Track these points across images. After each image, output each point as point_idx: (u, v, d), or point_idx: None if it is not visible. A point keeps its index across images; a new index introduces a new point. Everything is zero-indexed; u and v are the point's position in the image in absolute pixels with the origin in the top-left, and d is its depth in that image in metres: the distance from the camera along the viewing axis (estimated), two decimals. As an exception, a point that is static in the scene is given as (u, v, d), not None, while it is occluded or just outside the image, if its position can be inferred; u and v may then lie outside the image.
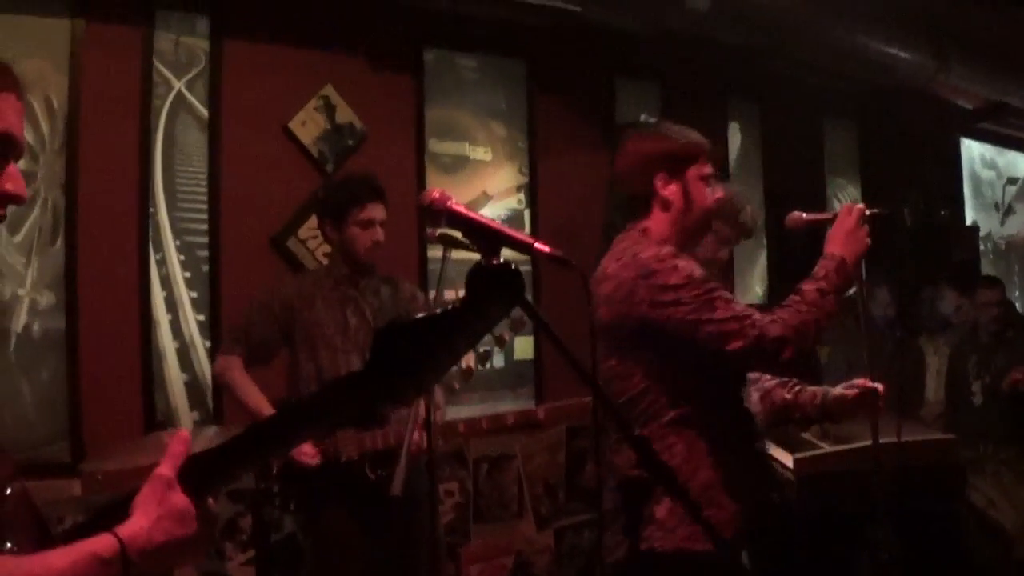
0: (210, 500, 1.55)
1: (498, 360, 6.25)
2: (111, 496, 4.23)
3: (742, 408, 3.09)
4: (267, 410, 4.14)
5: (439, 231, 3.72)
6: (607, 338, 3.00)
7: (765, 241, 7.68)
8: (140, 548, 1.42)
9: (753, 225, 4.06)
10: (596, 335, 2.97)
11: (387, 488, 3.55)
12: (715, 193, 3.13)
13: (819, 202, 8.31)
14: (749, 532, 2.99)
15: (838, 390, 3.32)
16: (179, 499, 1.47)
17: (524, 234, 1.97)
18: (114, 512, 1.47)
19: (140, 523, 1.44)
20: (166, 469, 1.49)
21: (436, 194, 2.02)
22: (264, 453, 1.87)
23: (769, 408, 3.40)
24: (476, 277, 1.69)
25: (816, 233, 3.19)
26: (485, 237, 1.89)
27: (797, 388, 3.43)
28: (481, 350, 4.44)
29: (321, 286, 4.40)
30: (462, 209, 1.98)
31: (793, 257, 6.87)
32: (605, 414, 2.86)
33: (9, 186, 1.45)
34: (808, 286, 2.89)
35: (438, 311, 1.53)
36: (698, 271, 2.92)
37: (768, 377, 3.45)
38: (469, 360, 4.35)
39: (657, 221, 3.10)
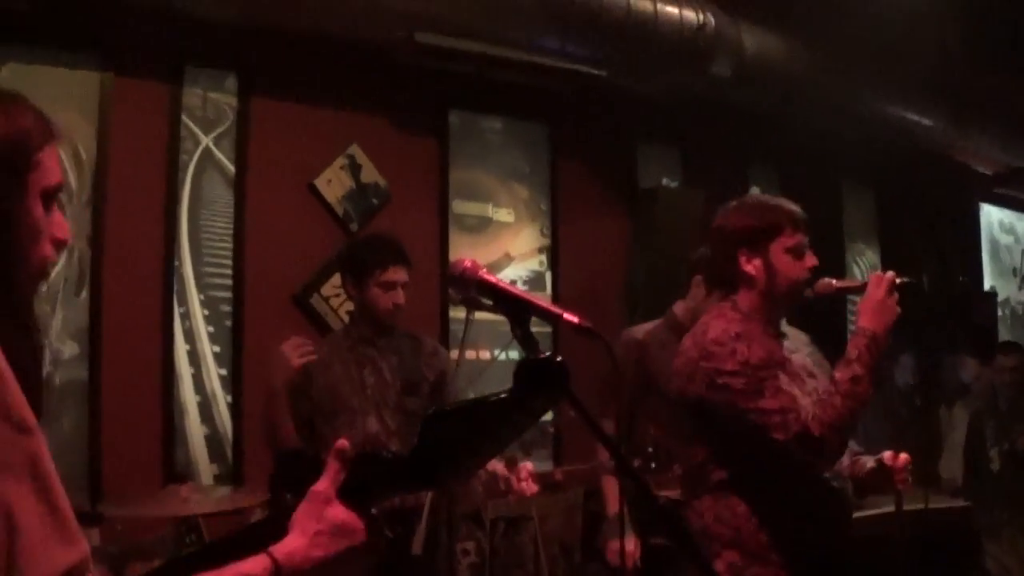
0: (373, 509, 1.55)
1: (516, 421, 6.25)
2: (128, 545, 4.24)
3: (803, 474, 3.09)
4: None
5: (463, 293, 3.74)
6: (675, 408, 3.09)
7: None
8: (296, 566, 1.43)
9: None
10: (620, 399, 3.02)
11: (405, 546, 3.54)
12: (807, 262, 3.12)
13: (838, 267, 8.30)
14: None
15: (869, 463, 3.30)
16: (338, 512, 1.49)
17: (552, 305, 1.99)
18: (268, 529, 1.49)
19: (297, 541, 1.45)
20: (323, 485, 1.50)
21: (467, 263, 2.04)
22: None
23: None
24: (523, 370, 1.72)
25: (840, 301, 3.22)
26: (514, 306, 1.91)
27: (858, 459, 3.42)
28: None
29: (339, 349, 4.37)
30: (493, 279, 2.00)
31: (814, 323, 6.87)
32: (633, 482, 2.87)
33: (60, 233, 1.48)
34: (842, 375, 2.91)
35: (488, 397, 1.55)
36: (756, 357, 2.95)
37: None
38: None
39: (744, 296, 3.14)
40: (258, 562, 1.42)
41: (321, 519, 1.47)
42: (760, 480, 3.02)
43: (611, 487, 4.57)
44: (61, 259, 4.84)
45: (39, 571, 1.21)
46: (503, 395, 1.62)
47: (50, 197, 1.47)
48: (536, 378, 1.71)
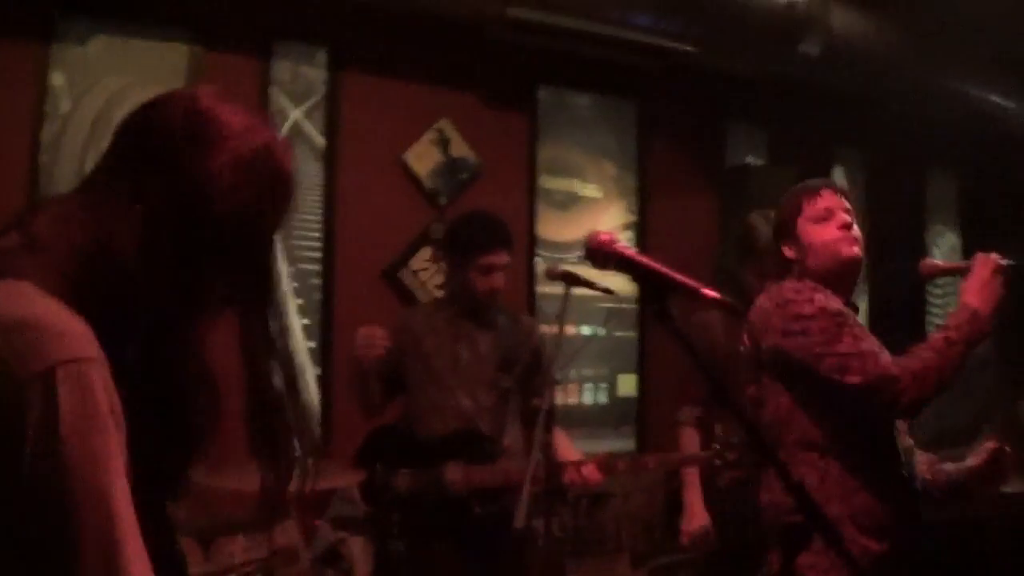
0: None
1: (601, 397, 6.24)
2: (215, 518, 4.25)
3: (885, 443, 3.02)
4: None
5: (563, 268, 3.70)
6: (747, 365, 3.03)
7: (867, 287, 7.59)
8: None
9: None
10: (737, 380, 3.00)
11: (507, 520, 3.50)
12: (835, 222, 3.08)
13: (919, 248, 8.21)
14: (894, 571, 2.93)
15: (968, 462, 3.23)
16: None
17: (691, 279, 1.95)
18: None
19: None
20: None
21: (604, 236, 2.00)
22: None
23: None
24: None
25: (918, 280, 3.16)
26: (654, 280, 1.89)
27: (937, 467, 3.34)
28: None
29: (432, 320, 4.34)
30: (632, 253, 1.97)
31: (895, 303, 6.80)
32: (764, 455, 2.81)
33: None
34: (936, 334, 2.86)
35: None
36: (834, 305, 2.91)
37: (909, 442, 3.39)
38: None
39: (793, 282, 3.10)
40: None
41: None
42: (844, 443, 2.95)
43: (690, 471, 4.51)
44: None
45: None
46: None
47: None
48: None
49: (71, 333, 1.24)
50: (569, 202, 6.26)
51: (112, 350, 1.29)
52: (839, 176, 7.70)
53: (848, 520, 2.87)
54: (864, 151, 7.86)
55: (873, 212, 7.72)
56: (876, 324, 7.42)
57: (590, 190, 6.36)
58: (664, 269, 1.92)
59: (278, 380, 1.50)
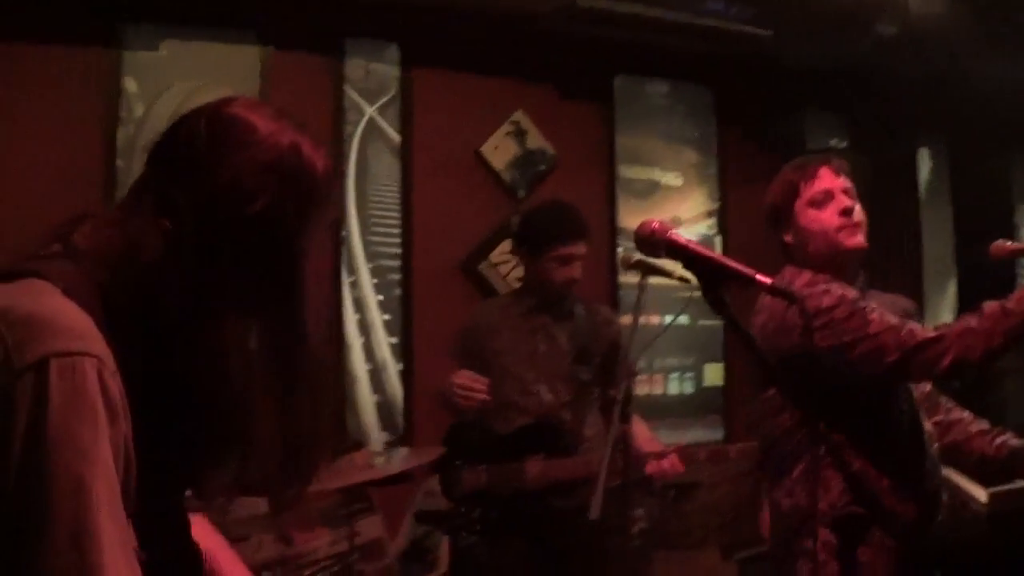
0: None
1: (687, 387, 6.18)
2: (296, 513, 4.29)
3: (905, 434, 2.94)
4: None
5: (636, 258, 3.65)
6: (763, 369, 2.93)
7: (955, 270, 7.44)
8: None
9: None
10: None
11: (583, 511, 3.48)
12: (835, 206, 2.95)
13: (1006, 230, 8.01)
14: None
15: None
16: None
17: (745, 266, 1.91)
18: None
19: None
20: None
21: (656, 224, 1.97)
22: None
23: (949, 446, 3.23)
24: None
25: (1008, 263, 3.04)
26: (706, 268, 1.85)
27: (999, 439, 3.24)
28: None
29: (508, 314, 4.31)
30: (683, 239, 1.93)
31: (984, 286, 6.63)
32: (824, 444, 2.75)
33: None
34: (991, 305, 2.71)
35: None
36: (851, 293, 2.82)
37: (967, 417, 3.29)
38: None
39: (800, 262, 3.01)
40: None
41: None
42: (864, 441, 2.85)
43: None
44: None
45: None
46: None
47: None
48: None
49: (73, 329, 1.26)
50: (649, 191, 6.21)
51: (139, 352, 1.32)
52: (924, 158, 7.57)
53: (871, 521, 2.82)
54: (947, 135, 7.69)
55: (959, 195, 7.58)
56: (968, 308, 7.27)
57: (670, 178, 6.30)
58: (716, 256, 1.89)
59: (302, 385, 1.48)
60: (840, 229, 2.93)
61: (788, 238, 3.02)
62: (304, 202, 1.46)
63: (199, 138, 1.43)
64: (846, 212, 2.94)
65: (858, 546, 2.78)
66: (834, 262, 2.95)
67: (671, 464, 3.98)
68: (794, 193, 3.00)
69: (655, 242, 1.93)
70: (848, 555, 2.78)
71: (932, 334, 2.68)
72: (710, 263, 1.86)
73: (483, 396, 4.00)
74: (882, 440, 2.86)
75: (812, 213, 2.95)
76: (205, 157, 1.42)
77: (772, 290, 1.83)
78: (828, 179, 2.99)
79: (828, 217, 2.94)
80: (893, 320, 2.73)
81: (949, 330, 2.68)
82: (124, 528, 1.25)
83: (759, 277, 1.84)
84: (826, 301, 2.78)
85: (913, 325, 2.73)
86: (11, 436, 1.19)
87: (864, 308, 2.77)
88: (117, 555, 1.21)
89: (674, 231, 1.94)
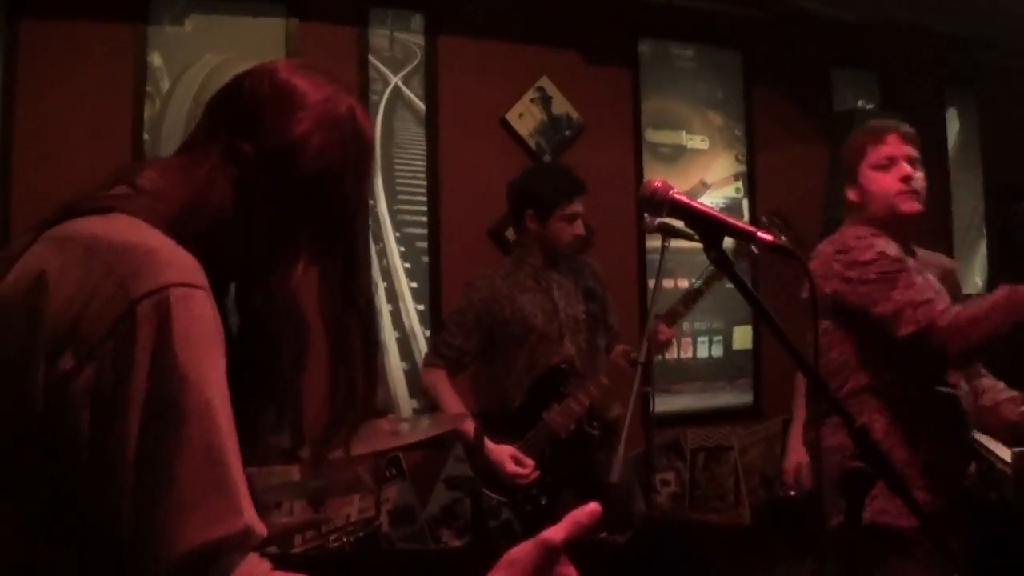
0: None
1: (716, 350, 6.17)
2: (328, 479, 4.33)
3: (945, 391, 3.01)
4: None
5: (658, 221, 3.68)
6: (811, 311, 3.03)
7: (985, 231, 7.39)
8: None
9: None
10: (815, 322, 2.96)
11: (603, 474, 3.54)
12: (898, 172, 3.11)
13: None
14: (953, 521, 2.92)
15: None
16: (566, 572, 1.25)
17: (746, 223, 1.94)
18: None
19: None
20: (557, 535, 1.24)
21: (657, 184, 1.99)
22: None
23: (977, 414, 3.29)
24: None
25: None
26: (707, 226, 1.88)
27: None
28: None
29: (516, 280, 4.42)
30: (684, 199, 1.95)
31: (1015, 247, 6.58)
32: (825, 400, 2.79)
33: None
34: (1004, 288, 2.81)
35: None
36: (893, 251, 2.97)
37: (1000, 385, 3.38)
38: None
39: (849, 222, 3.20)
40: None
41: (536, 572, 1.22)
42: (905, 389, 2.98)
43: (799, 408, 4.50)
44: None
45: (175, 536, 1.18)
46: None
47: None
48: None
49: (183, 262, 1.31)
50: (676, 155, 6.18)
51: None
52: (952, 118, 7.51)
53: (914, 466, 2.87)
54: (977, 93, 7.62)
55: (989, 155, 7.52)
56: (999, 268, 7.22)
57: (697, 142, 6.26)
58: (717, 213, 1.91)
59: (358, 338, 1.55)
60: (899, 194, 3.11)
61: (852, 195, 3.22)
62: (361, 160, 1.60)
63: (264, 99, 1.54)
64: (906, 179, 3.11)
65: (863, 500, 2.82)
66: (890, 225, 3.13)
67: (663, 333, 4.21)
68: (861, 154, 3.19)
69: (657, 201, 1.95)
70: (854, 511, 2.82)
71: (941, 321, 2.79)
72: (712, 220, 1.89)
73: (535, 475, 4.23)
74: (914, 403, 2.94)
75: (875, 175, 3.15)
76: (272, 114, 1.52)
77: (773, 247, 1.86)
78: (895, 145, 3.16)
79: (889, 181, 3.12)
80: (919, 295, 2.85)
81: (956, 320, 2.79)
82: (237, 444, 1.29)
83: (760, 234, 1.86)
84: (867, 255, 2.97)
85: (938, 304, 2.84)
86: (132, 360, 1.21)
87: (900, 271, 2.92)
88: (241, 473, 1.27)
89: (675, 190, 1.96)
